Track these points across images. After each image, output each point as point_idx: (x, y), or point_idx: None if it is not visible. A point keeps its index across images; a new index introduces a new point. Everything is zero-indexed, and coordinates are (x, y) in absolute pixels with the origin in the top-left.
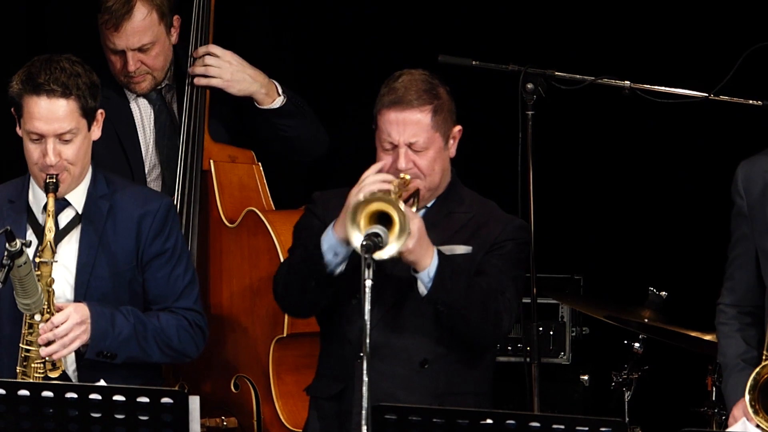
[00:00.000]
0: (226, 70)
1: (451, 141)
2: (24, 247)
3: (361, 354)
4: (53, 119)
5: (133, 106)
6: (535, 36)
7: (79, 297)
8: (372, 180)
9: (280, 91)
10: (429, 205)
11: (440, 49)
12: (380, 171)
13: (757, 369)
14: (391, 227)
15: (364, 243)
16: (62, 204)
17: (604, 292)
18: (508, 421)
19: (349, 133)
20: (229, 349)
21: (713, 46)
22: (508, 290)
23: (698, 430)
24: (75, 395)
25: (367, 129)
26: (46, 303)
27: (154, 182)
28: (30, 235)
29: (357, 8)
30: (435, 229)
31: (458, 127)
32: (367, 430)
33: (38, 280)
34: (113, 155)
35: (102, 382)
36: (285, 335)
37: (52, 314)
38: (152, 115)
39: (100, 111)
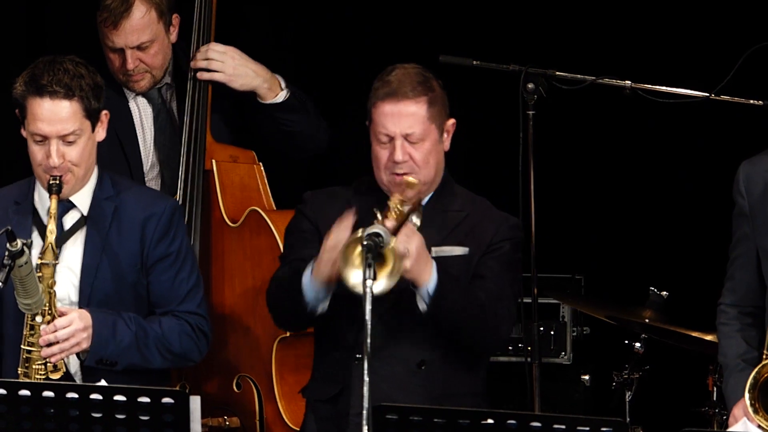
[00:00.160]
0: (229, 65)
1: (446, 134)
2: (25, 248)
3: (359, 355)
4: (56, 120)
5: (132, 105)
6: (536, 36)
7: (83, 299)
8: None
9: (283, 85)
10: (424, 202)
11: (440, 49)
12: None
13: (757, 368)
14: (383, 265)
15: (365, 243)
16: (68, 206)
17: (605, 292)
18: (509, 421)
19: (349, 133)
20: (231, 348)
21: (714, 46)
22: (507, 297)
23: (699, 430)
24: (76, 395)
25: (367, 129)
26: (47, 304)
27: (153, 181)
28: (35, 237)
29: (357, 8)
30: (430, 228)
31: (452, 121)
32: (368, 430)
33: (39, 282)
34: (112, 154)
35: (103, 382)
36: (287, 335)
37: (53, 316)
38: (151, 114)
39: (104, 112)
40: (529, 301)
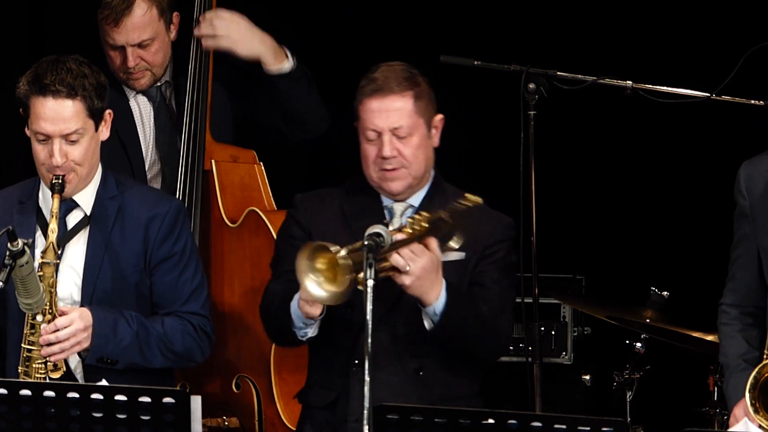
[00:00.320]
0: (234, 31)
1: (434, 130)
2: (26, 247)
3: (356, 361)
4: (59, 120)
5: (132, 103)
6: (537, 36)
7: (85, 298)
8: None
9: (289, 55)
10: (416, 205)
11: (441, 49)
12: None
13: (758, 368)
14: (330, 273)
15: (367, 243)
16: (71, 205)
17: (606, 292)
18: (510, 421)
19: (349, 133)
20: (231, 349)
21: (715, 46)
22: (508, 308)
23: (700, 430)
24: (77, 395)
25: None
26: (48, 304)
27: (153, 179)
28: (38, 237)
29: (357, 8)
30: None
31: (440, 116)
32: (369, 430)
33: (40, 281)
34: (113, 152)
35: (104, 382)
36: None
37: (54, 315)
38: (151, 112)
39: (108, 111)
40: (530, 301)
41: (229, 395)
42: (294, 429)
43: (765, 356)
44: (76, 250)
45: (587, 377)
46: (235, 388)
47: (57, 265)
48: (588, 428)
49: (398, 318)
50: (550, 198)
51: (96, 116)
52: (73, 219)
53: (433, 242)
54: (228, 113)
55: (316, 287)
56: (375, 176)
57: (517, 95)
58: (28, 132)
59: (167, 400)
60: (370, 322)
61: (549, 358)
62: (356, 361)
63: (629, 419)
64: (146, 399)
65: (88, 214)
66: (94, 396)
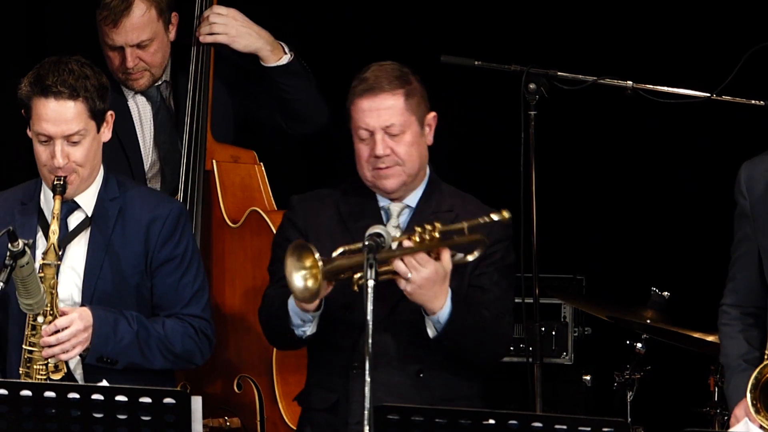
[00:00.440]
0: (231, 26)
1: (427, 128)
2: (26, 248)
3: (356, 363)
4: (61, 121)
5: (131, 103)
6: (538, 36)
7: (86, 299)
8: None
9: (287, 50)
10: (413, 205)
11: (441, 49)
12: None
13: (759, 368)
14: (307, 268)
15: (367, 243)
16: (72, 206)
17: (607, 292)
18: (511, 422)
19: (349, 133)
20: (232, 349)
21: (715, 46)
22: (508, 312)
23: (701, 430)
24: (77, 396)
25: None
26: (48, 304)
27: (153, 179)
28: (39, 238)
29: (357, 8)
30: None
31: (433, 114)
32: (370, 430)
33: (41, 282)
34: (113, 153)
35: (104, 383)
36: None
37: (55, 316)
38: (150, 112)
39: (109, 113)
40: (531, 301)
41: (231, 395)
42: (295, 429)
43: (766, 356)
44: (77, 251)
45: (588, 377)
46: (237, 389)
47: (58, 267)
48: (588, 428)
49: (399, 320)
50: (550, 198)
51: (98, 117)
52: (74, 220)
53: (446, 253)
54: (229, 112)
55: (300, 280)
56: (369, 175)
57: (518, 95)
58: (29, 133)
59: (168, 400)
60: (370, 323)
61: (549, 358)
62: (356, 363)
63: (630, 419)
64: (147, 399)
65: (89, 215)
66: (95, 396)
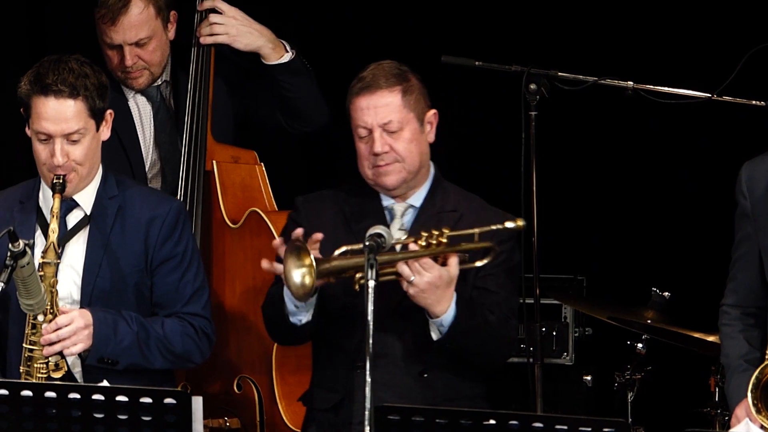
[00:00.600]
0: (232, 26)
1: (428, 126)
2: (27, 248)
3: (359, 364)
4: (61, 119)
5: (131, 103)
6: (538, 36)
7: (85, 298)
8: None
9: (288, 48)
10: (417, 205)
11: (441, 49)
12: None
13: (759, 368)
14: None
15: (368, 243)
16: (71, 205)
17: (607, 292)
18: (511, 422)
19: (349, 133)
20: (232, 349)
21: (716, 47)
22: (514, 314)
23: (701, 430)
24: (78, 396)
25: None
26: (49, 303)
27: (154, 179)
28: (38, 236)
29: (357, 8)
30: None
31: (433, 111)
32: (370, 431)
33: (41, 281)
34: (113, 152)
35: (105, 383)
36: None
37: (55, 315)
38: (150, 112)
39: (109, 111)
40: (531, 301)
41: (231, 396)
42: (295, 429)
43: (766, 357)
44: (76, 249)
45: (588, 378)
46: (237, 389)
47: (57, 265)
48: (589, 429)
49: (403, 320)
50: (551, 199)
51: (97, 116)
52: (73, 218)
53: (453, 259)
54: (229, 111)
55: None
56: (369, 173)
57: (518, 96)
58: (28, 132)
59: (168, 400)
60: (371, 323)
61: (550, 358)
62: (359, 363)
63: (630, 420)
64: (147, 400)
65: (88, 213)
66: (95, 397)
